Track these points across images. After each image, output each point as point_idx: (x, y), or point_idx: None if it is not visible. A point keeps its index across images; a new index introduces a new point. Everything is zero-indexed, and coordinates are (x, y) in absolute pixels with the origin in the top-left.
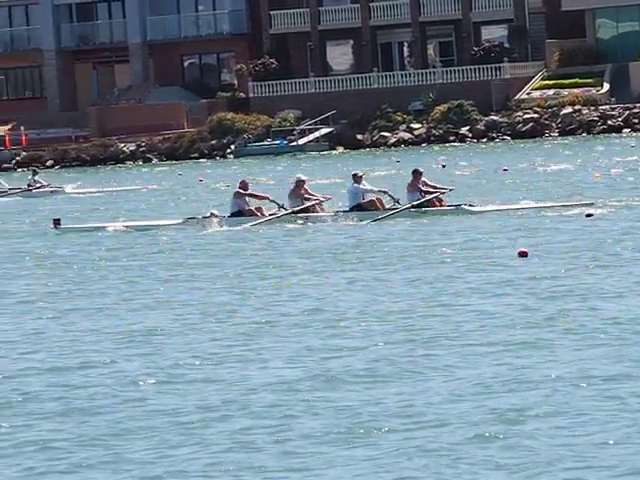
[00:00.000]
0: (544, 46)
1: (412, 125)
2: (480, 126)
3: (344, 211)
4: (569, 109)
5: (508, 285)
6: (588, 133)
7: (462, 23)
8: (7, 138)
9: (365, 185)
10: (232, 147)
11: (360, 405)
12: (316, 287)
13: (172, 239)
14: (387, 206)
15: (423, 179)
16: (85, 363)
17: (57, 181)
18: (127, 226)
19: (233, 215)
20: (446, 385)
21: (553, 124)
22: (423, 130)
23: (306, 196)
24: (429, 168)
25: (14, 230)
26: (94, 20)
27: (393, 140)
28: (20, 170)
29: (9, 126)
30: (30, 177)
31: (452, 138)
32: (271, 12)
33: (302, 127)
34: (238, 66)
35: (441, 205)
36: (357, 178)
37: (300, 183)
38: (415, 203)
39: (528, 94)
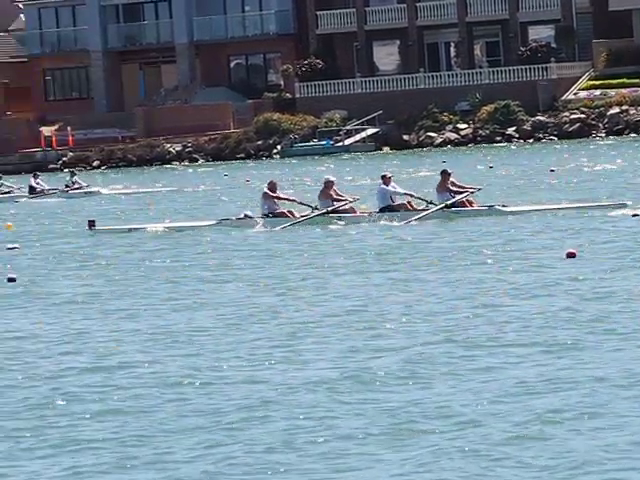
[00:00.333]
0: (591, 46)
1: (458, 125)
2: (527, 126)
3: (377, 212)
4: (616, 109)
5: (557, 286)
6: (636, 133)
7: (509, 23)
8: (54, 138)
9: (394, 187)
10: (278, 147)
11: (401, 405)
12: (358, 287)
13: (214, 240)
14: (418, 208)
15: (452, 179)
16: (128, 363)
17: (103, 182)
18: (167, 227)
19: (265, 216)
20: (487, 386)
21: (600, 124)
22: (469, 130)
23: (335, 197)
24: (475, 168)
25: (56, 231)
26: (141, 20)
27: (439, 140)
28: (66, 170)
29: (56, 127)
30: (69, 178)
31: (498, 138)
32: (318, 12)
33: (348, 127)
34: (284, 66)
35: (471, 205)
36: (386, 179)
37: (329, 184)
38: (448, 203)
39: (575, 94)
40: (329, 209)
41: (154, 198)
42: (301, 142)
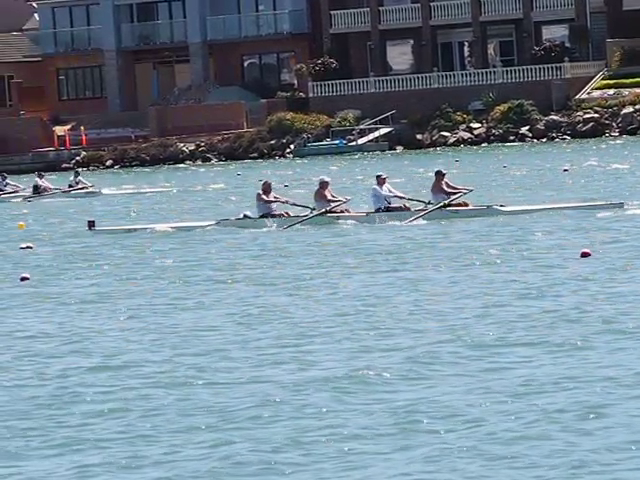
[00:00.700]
0: (605, 46)
1: (472, 125)
2: (540, 126)
3: (373, 212)
4: (630, 109)
5: (575, 285)
6: None
7: (523, 23)
8: (67, 138)
9: (386, 190)
10: (291, 147)
11: (409, 404)
12: (366, 286)
13: (220, 239)
14: (412, 209)
15: (445, 180)
16: (136, 362)
17: (116, 181)
18: (171, 227)
19: (262, 218)
20: (495, 385)
21: (614, 124)
22: (483, 130)
23: (329, 198)
24: (488, 168)
25: (59, 230)
26: (154, 20)
27: (453, 140)
28: (80, 170)
29: (69, 126)
30: (72, 178)
31: (512, 138)
32: (331, 12)
33: (362, 127)
34: (298, 66)
35: (466, 206)
36: (380, 180)
37: (324, 184)
38: (446, 202)
39: (588, 94)
40: (327, 209)
41: (139, 200)
42: (314, 141)
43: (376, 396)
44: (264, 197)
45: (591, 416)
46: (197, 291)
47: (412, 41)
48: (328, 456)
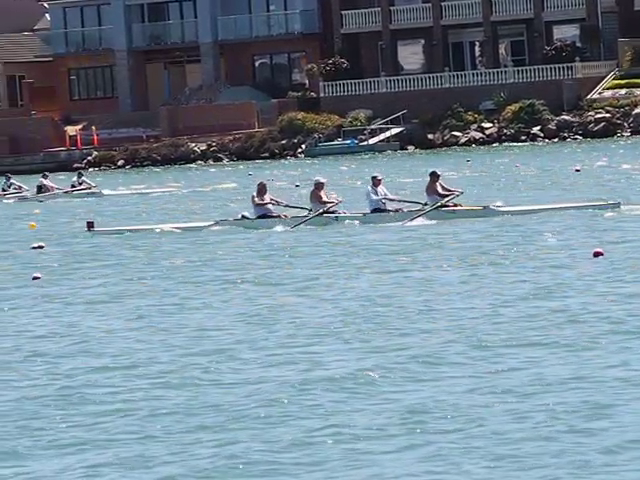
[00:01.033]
0: (616, 45)
1: (483, 125)
2: (551, 126)
3: (369, 213)
4: None
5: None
6: None
7: (534, 22)
8: (79, 138)
9: (381, 191)
10: (302, 147)
11: (418, 403)
12: (375, 286)
13: (226, 240)
14: (407, 211)
15: (440, 182)
16: (146, 361)
17: (127, 181)
18: (171, 227)
19: (259, 218)
20: (505, 384)
21: (625, 124)
22: (494, 130)
23: (324, 199)
24: (499, 168)
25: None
26: (165, 20)
27: (464, 140)
28: (91, 170)
29: (80, 126)
30: (75, 178)
31: (523, 138)
32: (342, 12)
33: (373, 127)
34: (309, 66)
35: (460, 207)
36: (376, 181)
37: (319, 185)
38: (443, 202)
39: (600, 94)
40: (325, 209)
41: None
42: (325, 141)
43: (384, 396)
44: (256, 200)
45: (600, 416)
46: (205, 291)
47: (423, 41)
48: (336, 456)
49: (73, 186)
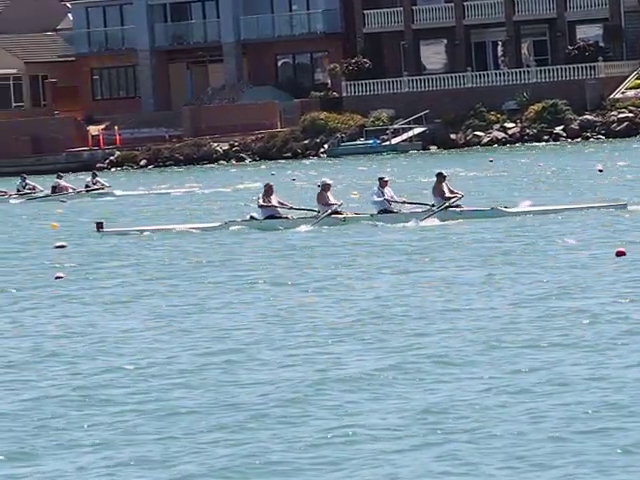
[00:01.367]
0: (639, 45)
1: (506, 124)
2: (574, 125)
3: (377, 214)
4: None
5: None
6: None
7: (557, 22)
8: (101, 138)
9: (387, 193)
10: (325, 147)
11: (435, 403)
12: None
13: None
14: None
15: (445, 183)
16: (167, 361)
17: (148, 180)
18: (181, 228)
19: (267, 219)
20: (525, 384)
21: None
22: (517, 129)
23: (328, 201)
24: (521, 168)
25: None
26: (188, 20)
27: (487, 139)
28: (113, 169)
29: (103, 126)
30: (89, 178)
31: (546, 137)
32: (365, 11)
33: (395, 126)
34: (331, 65)
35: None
36: (382, 182)
37: (326, 187)
38: (452, 202)
39: (623, 93)
40: (332, 209)
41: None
42: (348, 141)
43: (403, 396)
44: (260, 201)
45: (619, 416)
46: (225, 291)
47: (446, 40)
48: (353, 456)
49: (87, 186)
